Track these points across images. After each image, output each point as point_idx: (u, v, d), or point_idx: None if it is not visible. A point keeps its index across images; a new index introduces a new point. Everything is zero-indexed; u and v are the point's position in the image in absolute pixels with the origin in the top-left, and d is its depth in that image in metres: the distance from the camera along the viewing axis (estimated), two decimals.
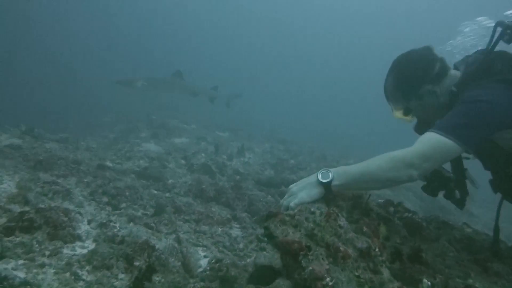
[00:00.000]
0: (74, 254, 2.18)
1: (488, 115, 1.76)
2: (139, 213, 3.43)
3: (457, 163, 2.23)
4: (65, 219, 2.44)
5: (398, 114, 2.27)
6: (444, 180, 2.29)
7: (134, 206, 3.59)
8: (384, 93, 2.26)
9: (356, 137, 23.18)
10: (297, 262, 1.42)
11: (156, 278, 2.32)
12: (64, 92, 17.49)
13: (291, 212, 1.59)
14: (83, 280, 1.94)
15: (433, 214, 2.72)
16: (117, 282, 2.00)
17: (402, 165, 1.72)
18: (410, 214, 2.33)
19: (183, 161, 6.26)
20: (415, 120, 2.32)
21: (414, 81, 2.10)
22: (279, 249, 1.50)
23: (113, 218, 3.03)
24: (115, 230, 2.73)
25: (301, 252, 1.41)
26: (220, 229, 3.45)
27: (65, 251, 2.19)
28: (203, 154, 6.78)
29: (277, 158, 8.55)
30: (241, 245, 3.12)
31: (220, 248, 3.03)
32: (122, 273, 2.08)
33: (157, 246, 2.48)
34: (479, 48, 2.15)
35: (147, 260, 2.21)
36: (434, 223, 2.41)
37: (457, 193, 2.29)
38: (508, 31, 1.91)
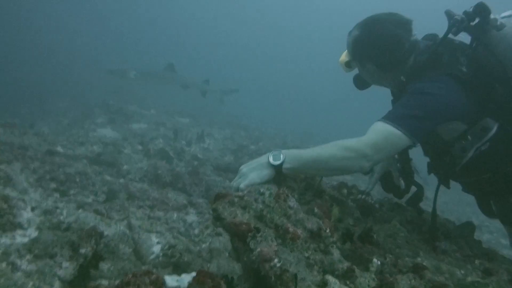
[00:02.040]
0: (13, 243, 2.04)
1: (435, 108, 1.82)
2: (90, 200, 3.29)
3: (403, 152, 2.28)
4: (5, 206, 2.28)
5: (343, 58, 2.26)
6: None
7: (85, 192, 3.44)
8: (347, 40, 2.21)
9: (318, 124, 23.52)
10: (246, 244, 1.37)
11: (105, 265, 2.22)
12: (19, 75, 16.49)
13: (240, 193, 1.54)
14: (22, 270, 1.82)
15: (386, 196, 2.77)
16: (61, 271, 1.89)
17: (355, 155, 1.72)
18: (363, 196, 2.35)
19: (139, 147, 6.09)
20: (350, 72, 2.35)
21: (378, 55, 2.07)
22: (228, 231, 1.45)
23: (60, 205, 2.87)
24: (61, 217, 2.59)
25: (250, 234, 1.37)
26: (175, 215, 3.37)
27: (2, 240, 2.05)
28: (161, 140, 6.62)
29: (238, 144, 8.50)
30: (196, 231, 3.06)
31: (175, 234, 2.96)
32: (67, 261, 1.97)
33: (106, 233, 2.37)
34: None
35: (94, 247, 2.10)
36: (387, 205, 2.44)
37: (402, 183, 2.32)
38: (457, 24, 1.94)
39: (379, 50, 2.05)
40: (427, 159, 2.29)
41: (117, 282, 1.13)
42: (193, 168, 4.91)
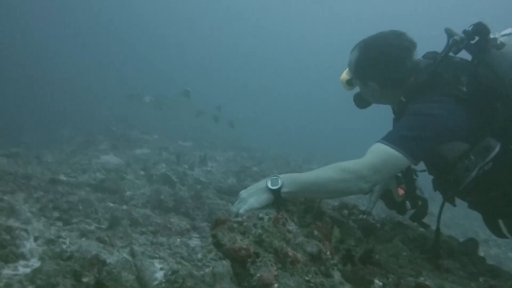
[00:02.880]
0: (16, 274, 2.05)
1: (435, 129, 1.81)
2: (93, 227, 3.29)
3: (407, 172, 2.28)
4: (7, 237, 2.30)
5: (345, 77, 2.28)
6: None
7: (87, 220, 3.45)
8: (349, 58, 2.22)
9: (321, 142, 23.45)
10: (246, 270, 1.38)
11: None
12: (21, 103, 16.66)
13: (239, 218, 1.55)
14: None
15: (388, 215, 2.76)
16: None
17: (353, 177, 1.72)
18: (364, 216, 2.34)
19: (142, 172, 6.11)
20: (351, 90, 2.35)
21: (380, 73, 2.08)
22: (228, 257, 1.46)
23: (63, 233, 2.89)
24: (64, 246, 2.60)
25: (249, 259, 1.37)
26: (178, 240, 3.37)
27: (5, 271, 2.06)
28: (163, 164, 6.65)
29: (240, 166, 8.51)
30: (199, 255, 3.05)
31: (178, 259, 2.95)
32: None
33: (108, 261, 2.37)
34: None
35: (97, 275, 2.10)
36: (389, 224, 2.43)
37: (408, 204, 2.30)
38: (456, 44, 1.93)
39: (381, 68, 2.06)
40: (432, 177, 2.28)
41: None
42: (196, 192, 4.92)
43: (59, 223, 3.21)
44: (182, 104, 12.05)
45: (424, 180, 2.37)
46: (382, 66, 2.06)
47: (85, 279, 2.00)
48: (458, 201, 2.27)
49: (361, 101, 2.37)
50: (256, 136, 19.87)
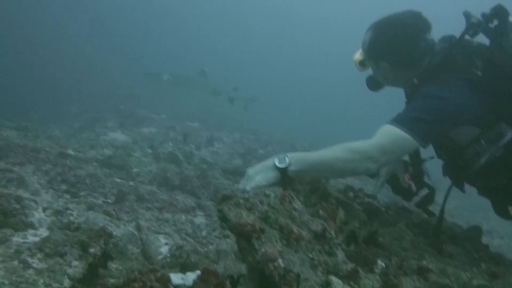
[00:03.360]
0: (25, 242, 2.09)
1: (445, 112, 1.80)
2: (100, 201, 3.33)
3: (415, 155, 2.27)
4: (17, 206, 2.33)
5: (358, 57, 2.27)
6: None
7: (95, 194, 3.49)
8: (363, 38, 2.20)
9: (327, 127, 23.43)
10: (251, 245, 1.40)
11: (113, 265, 2.25)
12: (31, 79, 16.71)
13: (246, 195, 1.57)
14: (33, 268, 1.85)
15: (393, 200, 2.77)
16: (70, 270, 1.92)
17: (360, 157, 1.72)
18: (369, 199, 2.35)
19: (149, 150, 6.15)
20: (364, 72, 2.34)
21: (394, 54, 2.07)
22: (233, 232, 1.48)
23: (71, 206, 2.93)
24: (71, 217, 2.64)
25: (254, 234, 1.39)
26: (183, 217, 3.40)
27: (15, 239, 2.09)
28: (170, 143, 6.69)
29: (247, 147, 8.53)
30: (204, 233, 3.09)
31: (183, 235, 2.99)
32: (76, 260, 2.00)
33: (114, 233, 2.42)
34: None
35: (103, 246, 2.14)
36: (393, 208, 2.45)
37: (414, 187, 2.30)
38: (473, 27, 1.91)
39: (394, 48, 2.04)
40: (442, 161, 2.27)
41: (123, 279, 1.15)
42: (202, 171, 4.95)
43: (67, 196, 3.26)
44: (200, 84, 12.16)
45: (432, 166, 2.37)
46: (394, 46, 2.03)
47: (92, 250, 2.04)
48: (465, 189, 2.26)
49: (374, 84, 2.35)
50: (264, 119, 19.89)
